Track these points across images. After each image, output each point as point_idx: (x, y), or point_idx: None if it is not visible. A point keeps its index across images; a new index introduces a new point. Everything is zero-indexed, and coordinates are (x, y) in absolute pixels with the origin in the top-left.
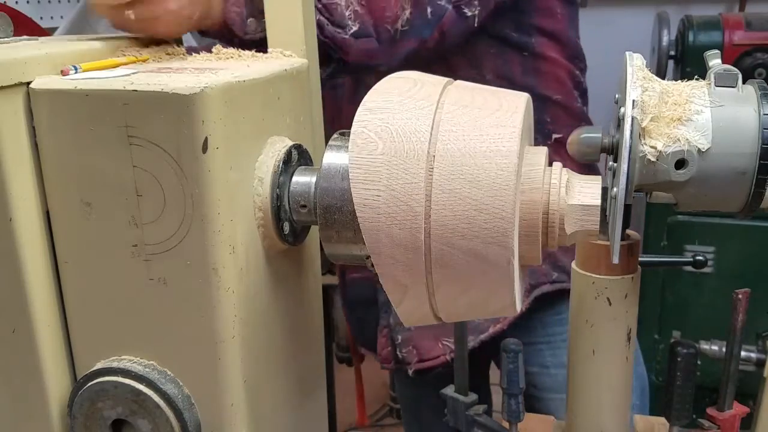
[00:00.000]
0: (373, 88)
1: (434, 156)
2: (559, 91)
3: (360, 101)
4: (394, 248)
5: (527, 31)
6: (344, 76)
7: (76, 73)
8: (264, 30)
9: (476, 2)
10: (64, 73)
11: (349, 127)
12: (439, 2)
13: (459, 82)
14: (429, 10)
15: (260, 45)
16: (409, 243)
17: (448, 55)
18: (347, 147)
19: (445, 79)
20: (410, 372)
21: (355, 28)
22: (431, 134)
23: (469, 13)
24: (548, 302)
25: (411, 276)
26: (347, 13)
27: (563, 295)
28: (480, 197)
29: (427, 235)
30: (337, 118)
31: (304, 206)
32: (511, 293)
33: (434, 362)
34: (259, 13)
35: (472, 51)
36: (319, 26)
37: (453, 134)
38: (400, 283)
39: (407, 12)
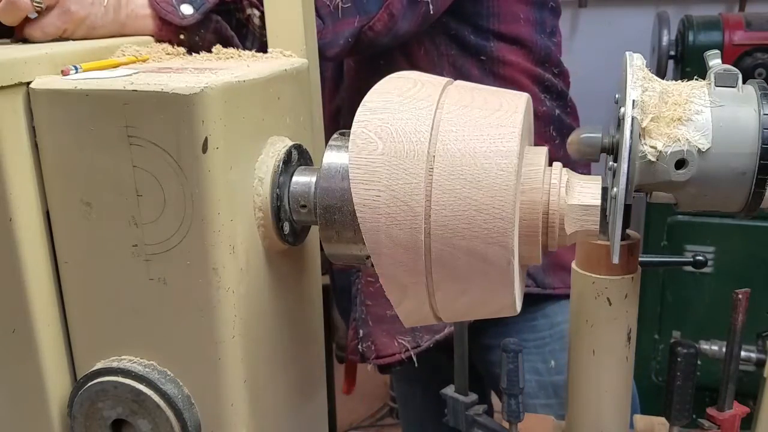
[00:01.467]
0: (373, 88)
1: (434, 156)
2: None
3: (339, 101)
4: (394, 248)
5: (485, 35)
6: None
7: (76, 72)
8: (198, 8)
9: None
10: (64, 73)
11: (330, 126)
12: None
13: (459, 81)
14: None
15: (201, 28)
16: (409, 243)
17: (410, 51)
18: (347, 147)
19: (445, 79)
20: (368, 367)
21: None
22: (431, 134)
23: None
24: None
25: (411, 276)
26: None
27: (534, 300)
28: (480, 198)
29: (427, 236)
30: None
31: (304, 206)
32: (511, 293)
33: (390, 359)
34: None
35: (434, 50)
36: (256, 6)
37: (453, 134)
38: (400, 283)
39: None
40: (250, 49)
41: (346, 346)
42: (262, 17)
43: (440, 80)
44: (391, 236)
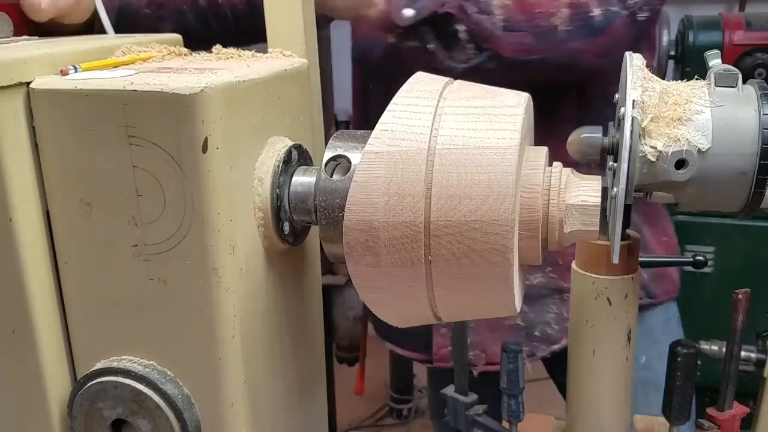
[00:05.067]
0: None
1: (433, 162)
2: None
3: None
4: (394, 256)
5: None
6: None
7: (76, 72)
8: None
9: (646, 7)
10: (63, 72)
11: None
12: (611, 8)
13: (459, 81)
14: (597, 12)
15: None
16: (408, 251)
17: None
18: (347, 147)
19: (446, 79)
20: (475, 373)
21: (502, 21)
22: (430, 139)
23: (641, 17)
24: None
25: (411, 283)
26: (494, 2)
27: None
28: (479, 203)
29: (426, 243)
30: None
31: (304, 207)
32: (511, 295)
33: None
34: None
35: None
36: (465, 12)
37: (452, 139)
38: (400, 292)
39: (565, 11)
40: (464, 62)
41: (422, 353)
42: (467, 32)
43: (441, 80)
44: (389, 245)
